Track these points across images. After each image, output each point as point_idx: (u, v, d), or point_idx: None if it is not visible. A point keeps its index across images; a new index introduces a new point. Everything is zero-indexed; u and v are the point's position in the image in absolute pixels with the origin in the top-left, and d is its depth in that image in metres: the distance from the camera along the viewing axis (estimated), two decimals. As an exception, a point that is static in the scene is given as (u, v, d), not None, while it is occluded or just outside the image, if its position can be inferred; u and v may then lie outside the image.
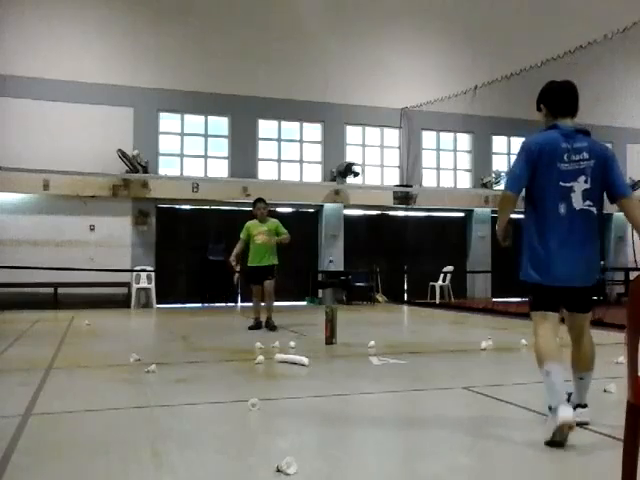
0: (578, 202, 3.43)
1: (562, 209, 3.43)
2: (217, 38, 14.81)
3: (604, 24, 11.68)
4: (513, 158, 3.81)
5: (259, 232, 9.00)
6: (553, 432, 3.20)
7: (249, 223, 9.17)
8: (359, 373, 5.55)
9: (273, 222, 9.15)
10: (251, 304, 9.39)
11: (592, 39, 11.54)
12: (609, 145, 18.71)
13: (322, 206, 15.77)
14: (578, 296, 3.54)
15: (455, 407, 4.26)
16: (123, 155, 13.61)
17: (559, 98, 3.61)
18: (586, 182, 3.44)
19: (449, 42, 16.59)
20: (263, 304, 9.01)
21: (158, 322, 11.58)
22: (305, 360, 5.72)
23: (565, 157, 3.45)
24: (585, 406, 3.59)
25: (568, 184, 3.43)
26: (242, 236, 9.12)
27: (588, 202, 3.45)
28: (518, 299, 15.86)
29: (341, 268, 15.71)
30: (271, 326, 8.82)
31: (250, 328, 8.94)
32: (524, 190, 3.58)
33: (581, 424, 3.50)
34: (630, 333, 2.31)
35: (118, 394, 4.61)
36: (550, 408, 3.28)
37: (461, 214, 17.30)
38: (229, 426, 3.79)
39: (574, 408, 3.42)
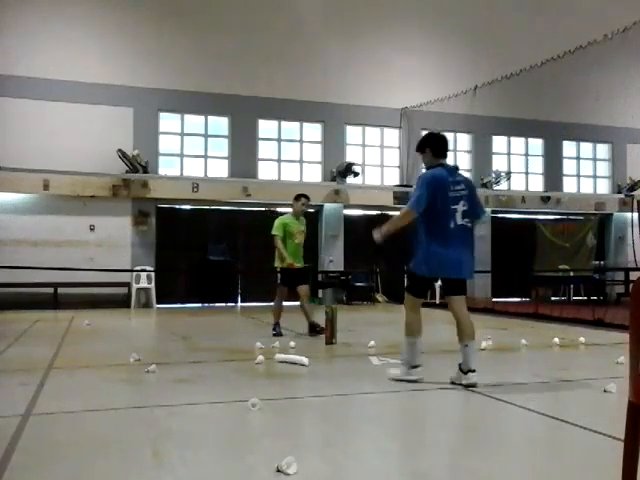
0: (460, 219, 4.77)
1: (452, 224, 4.75)
2: (217, 38, 14.81)
3: (604, 24, 11.68)
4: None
5: (299, 231, 8.26)
6: (410, 379, 4.77)
7: (286, 220, 8.26)
8: (359, 373, 5.55)
9: (304, 221, 8.47)
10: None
11: (592, 39, 11.54)
12: (609, 145, 18.59)
13: (322, 206, 15.76)
14: (460, 284, 4.94)
15: (455, 407, 4.26)
16: (123, 155, 13.61)
17: (441, 145, 4.97)
18: (464, 205, 4.79)
19: (449, 42, 16.58)
20: (293, 306, 8.39)
21: (158, 322, 11.58)
22: (305, 360, 5.72)
23: (451, 187, 4.77)
24: (474, 371, 4.65)
25: (454, 206, 4.76)
26: (279, 233, 8.13)
27: (466, 219, 4.81)
28: (518, 299, 15.92)
29: (341, 268, 15.71)
30: (319, 328, 7.96)
31: (276, 335, 8.05)
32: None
33: (471, 385, 4.59)
34: (633, 333, 2.31)
35: (118, 394, 4.61)
36: (410, 365, 4.83)
37: (461, 214, 17.28)
38: (229, 426, 3.79)
39: (465, 373, 4.65)
